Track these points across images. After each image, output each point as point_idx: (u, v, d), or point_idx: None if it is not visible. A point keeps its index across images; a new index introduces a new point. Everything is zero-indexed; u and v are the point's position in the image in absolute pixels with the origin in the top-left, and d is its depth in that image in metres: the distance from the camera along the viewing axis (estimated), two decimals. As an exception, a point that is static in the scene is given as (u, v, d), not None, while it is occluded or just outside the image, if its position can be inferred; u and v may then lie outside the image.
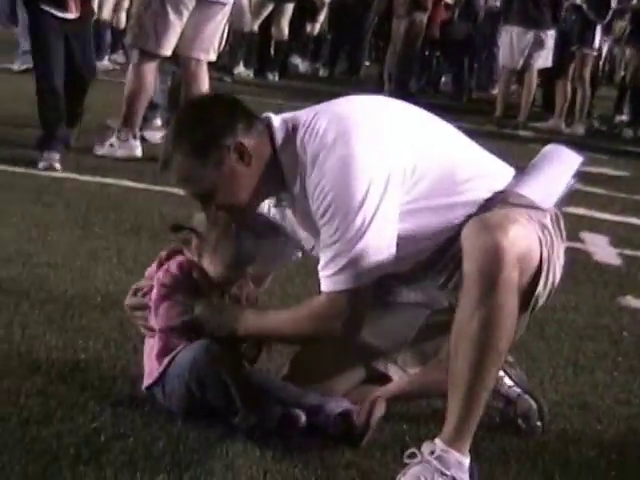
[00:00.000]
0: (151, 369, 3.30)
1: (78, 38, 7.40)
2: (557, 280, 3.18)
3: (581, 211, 7.57)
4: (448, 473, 2.91)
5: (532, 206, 3.13)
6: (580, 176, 9.20)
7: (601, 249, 6.55)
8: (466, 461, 2.96)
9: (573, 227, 7.01)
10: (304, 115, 3.22)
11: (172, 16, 7.61)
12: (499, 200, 3.15)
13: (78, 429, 3.10)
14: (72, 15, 7.32)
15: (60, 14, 7.30)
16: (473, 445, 3.01)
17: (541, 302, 3.15)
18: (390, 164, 3.06)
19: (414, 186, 3.10)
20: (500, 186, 3.21)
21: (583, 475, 3.22)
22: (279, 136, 3.20)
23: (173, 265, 3.34)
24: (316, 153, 3.08)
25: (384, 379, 3.44)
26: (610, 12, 13.05)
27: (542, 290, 3.09)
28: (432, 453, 2.92)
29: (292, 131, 3.19)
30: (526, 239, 2.98)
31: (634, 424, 3.69)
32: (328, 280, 3.10)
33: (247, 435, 3.12)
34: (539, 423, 3.46)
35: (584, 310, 5.05)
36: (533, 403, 3.46)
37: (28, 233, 5.30)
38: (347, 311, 3.10)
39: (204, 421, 3.20)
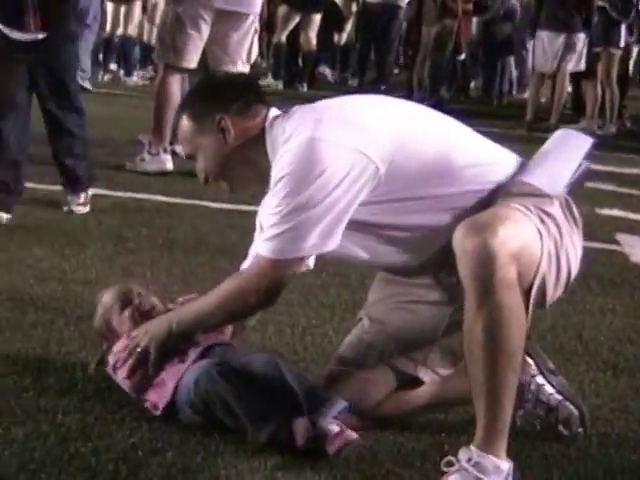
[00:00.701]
0: (157, 398, 3.35)
1: (45, 68, 5.76)
2: (573, 263, 3.16)
3: (616, 212, 7.55)
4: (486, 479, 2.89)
5: (536, 194, 3.11)
6: (614, 177, 9.25)
7: (638, 250, 6.51)
8: (504, 465, 2.93)
9: (609, 229, 7.05)
10: (297, 108, 3.37)
11: (189, 29, 7.63)
12: (502, 190, 3.15)
13: (116, 445, 3.11)
14: (32, 35, 5.64)
15: (14, 35, 5.67)
16: (514, 453, 2.99)
17: (560, 289, 3.15)
18: (357, 156, 3.08)
19: (393, 179, 3.12)
20: (503, 174, 3.21)
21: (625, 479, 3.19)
22: (270, 127, 3.32)
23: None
24: (287, 136, 3.18)
25: (416, 382, 3.42)
26: (634, 10, 13.01)
27: (551, 278, 3.07)
28: (469, 460, 2.91)
29: (281, 120, 3.31)
30: (519, 235, 2.95)
31: (676, 428, 3.66)
32: (263, 244, 3.20)
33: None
34: (581, 429, 3.43)
35: (622, 312, 5.02)
36: (574, 410, 3.43)
37: (62, 250, 5.32)
38: (268, 278, 3.18)
39: (242, 434, 3.19)
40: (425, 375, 3.42)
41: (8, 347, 3.87)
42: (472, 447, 2.93)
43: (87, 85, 13.29)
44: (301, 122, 3.21)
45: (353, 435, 3.10)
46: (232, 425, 3.18)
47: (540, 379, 3.45)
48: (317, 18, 15.26)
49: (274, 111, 3.38)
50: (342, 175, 3.06)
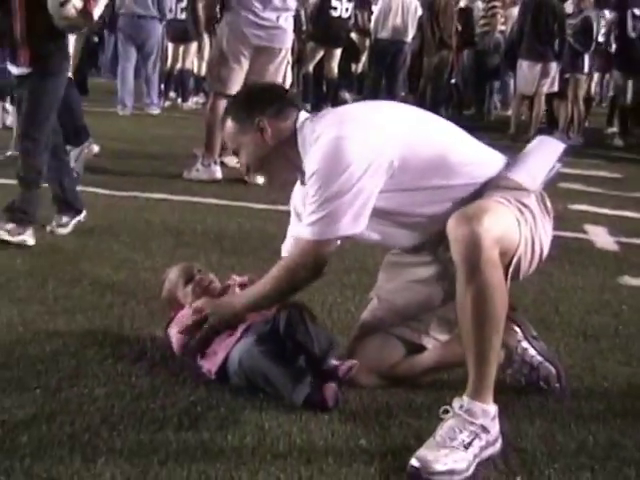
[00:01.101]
0: (211, 366, 3.35)
1: (24, 101, 5.09)
2: (545, 246, 3.17)
3: (584, 207, 7.51)
4: (477, 422, 2.89)
5: (517, 188, 3.12)
6: (583, 178, 9.18)
7: (601, 238, 6.48)
8: (491, 409, 2.93)
9: (579, 221, 7.03)
10: (325, 111, 3.39)
11: (232, 63, 7.65)
12: (491, 183, 3.15)
13: (179, 402, 3.12)
14: (21, 70, 5.10)
15: (11, 68, 5.18)
16: (502, 404, 2.98)
17: (534, 267, 3.16)
18: (376, 151, 3.07)
19: (403, 171, 3.10)
20: (493, 171, 3.21)
21: (594, 424, 3.18)
22: (301, 127, 3.30)
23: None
24: (318, 135, 3.16)
25: (421, 349, 3.43)
26: (594, 43, 12.95)
27: (526, 258, 3.07)
28: (461, 407, 2.91)
29: (310, 123, 3.29)
30: (501, 223, 2.94)
31: (634, 381, 3.65)
32: (303, 229, 3.18)
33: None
34: (557, 385, 3.44)
35: (589, 289, 5.01)
36: (552, 369, 3.43)
37: (133, 244, 5.33)
38: (312, 258, 3.18)
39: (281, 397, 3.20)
40: (428, 342, 3.41)
41: (90, 324, 3.89)
42: (464, 396, 2.92)
43: (153, 110, 13.36)
44: (328, 123, 3.19)
45: (352, 361, 3.20)
46: (272, 393, 3.18)
47: (525, 344, 3.44)
48: (338, 52, 15.21)
49: (304, 114, 3.35)
50: (364, 167, 3.05)
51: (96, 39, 19.86)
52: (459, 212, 2.95)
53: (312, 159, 3.14)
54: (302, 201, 3.38)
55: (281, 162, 3.35)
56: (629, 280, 5.29)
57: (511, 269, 3.00)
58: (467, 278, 2.89)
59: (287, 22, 7.78)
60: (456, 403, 2.93)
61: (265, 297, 3.31)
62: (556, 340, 4.01)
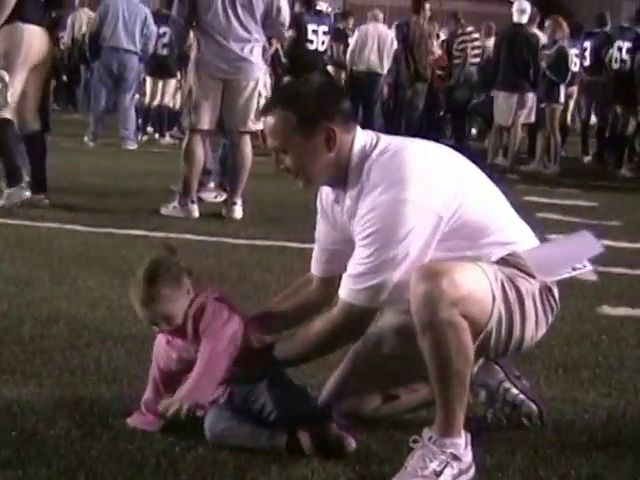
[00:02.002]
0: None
1: None
2: (529, 337, 3.12)
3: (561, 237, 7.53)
4: (447, 451, 2.89)
5: (522, 269, 3.06)
6: (559, 208, 9.21)
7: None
8: (460, 441, 2.92)
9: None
10: (385, 142, 3.13)
11: (199, 96, 7.61)
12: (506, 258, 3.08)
13: (157, 443, 3.09)
14: None
15: None
16: (484, 439, 2.97)
17: (505, 353, 3.15)
18: (436, 215, 2.98)
19: (451, 234, 3.02)
20: (520, 241, 3.14)
21: (575, 457, 3.16)
22: (358, 144, 3.11)
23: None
24: (377, 183, 3.00)
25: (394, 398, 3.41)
26: (569, 74, 13.07)
27: (499, 339, 3.03)
28: (430, 438, 2.91)
29: (370, 147, 3.11)
30: (467, 286, 2.89)
31: (614, 413, 3.63)
32: (352, 292, 3.04)
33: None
34: (539, 422, 3.41)
35: (569, 319, 4.99)
36: (534, 407, 3.40)
37: (110, 282, 5.29)
38: (357, 322, 3.09)
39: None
40: (404, 393, 3.40)
41: (67, 363, 3.85)
42: (433, 430, 2.92)
43: (130, 145, 13.37)
44: (388, 169, 3.01)
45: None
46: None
47: (507, 384, 3.41)
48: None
49: (361, 133, 3.15)
50: (423, 236, 2.96)
51: (65, 77, 19.87)
52: (424, 266, 2.92)
53: (369, 218, 2.99)
54: (327, 202, 3.30)
55: (330, 173, 3.14)
56: (608, 310, 5.29)
57: (477, 342, 2.96)
58: (420, 335, 2.90)
59: (253, 54, 7.72)
60: (425, 434, 2.93)
61: (301, 356, 3.24)
62: (536, 372, 3.99)
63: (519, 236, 3.17)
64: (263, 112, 3.16)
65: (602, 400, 3.77)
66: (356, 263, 3.04)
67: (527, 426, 3.38)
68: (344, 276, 3.10)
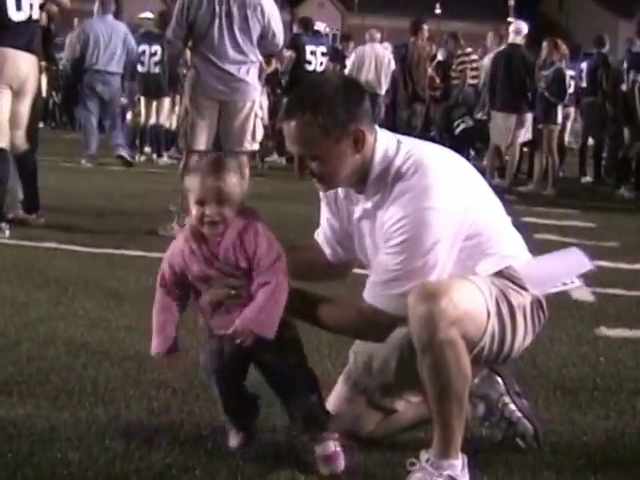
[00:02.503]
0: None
1: None
2: (517, 348, 3.14)
3: (559, 258, 7.53)
4: (444, 473, 2.90)
5: (515, 282, 3.09)
6: (557, 229, 9.19)
7: (577, 288, 6.47)
8: (458, 462, 2.94)
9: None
10: (406, 146, 3.09)
11: (195, 117, 7.60)
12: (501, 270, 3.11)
13: (154, 465, 3.08)
14: None
15: None
16: (481, 460, 2.97)
17: (500, 360, 3.16)
18: (457, 223, 2.99)
19: (466, 246, 3.04)
20: (517, 255, 3.16)
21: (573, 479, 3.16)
22: (380, 147, 3.07)
23: None
24: (403, 191, 2.98)
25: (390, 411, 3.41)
26: (567, 95, 13.09)
27: (491, 352, 3.06)
28: (427, 460, 2.92)
29: (392, 153, 3.07)
30: (464, 304, 2.91)
31: (612, 435, 3.63)
32: (382, 298, 3.01)
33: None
34: (534, 443, 3.40)
35: (566, 341, 5.00)
36: (530, 427, 3.40)
37: (107, 303, 5.29)
38: (383, 327, 3.04)
39: (260, 453, 3.16)
40: (400, 405, 3.39)
41: (64, 385, 3.84)
42: (430, 452, 2.93)
43: (123, 152, 13.48)
44: (414, 177, 2.99)
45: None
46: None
47: (506, 398, 3.42)
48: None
49: (382, 133, 3.11)
50: (449, 243, 2.97)
51: (60, 97, 19.92)
52: (422, 286, 2.92)
53: (398, 227, 2.97)
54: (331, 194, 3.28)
55: (353, 175, 3.09)
56: (606, 331, 5.29)
57: (470, 357, 2.98)
58: (420, 356, 2.91)
59: (248, 75, 7.71)
60: (423, 456, 2.95)
61: (315, 319, 3.16)
62: (534, 394, 3.98)
63: (516, 249, 3.20)
64: (286, 118, 3.03)
65: (600, 422, 3.76)
66: (384, 270, 3.01)
67: (524, 447, 3.38)
68: (370, 282, 3.07)
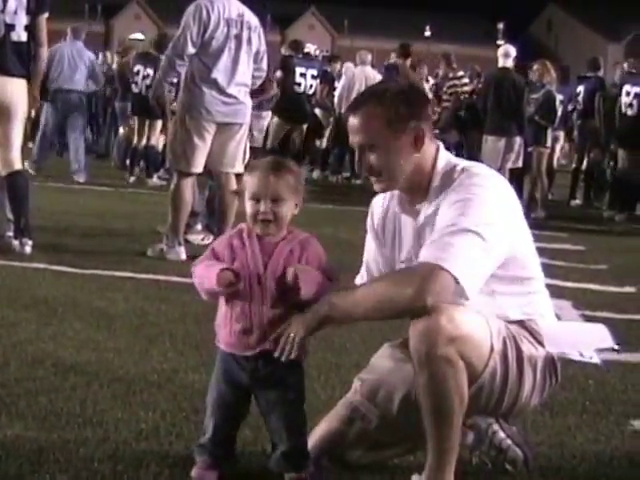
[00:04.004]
0: None
1: None
2: (521, 399, 3.15)
3: (547, 281, 7.50)
4: None
5: (534, 335, 3.11)
6: (546, 252, 9.22)
7: (566, 312, 6.50)
8: None
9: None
10: (464, 162, 3.14)
11: (196, 140, 7.58)
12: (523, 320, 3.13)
13: (143, 488, 3.07)
14: None
15: None
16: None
17: (502, 410, 3.17)
18: (506, 228, 3.01)
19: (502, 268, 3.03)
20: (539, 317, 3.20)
21: (563, 504, 3.17)
22: (443, 157, 3.13)
23: None
24: (459, 185, 3.02)
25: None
26: (557, 118, 13.13)
27: (492, 394, 3.07)
28: None
29: (454, 162, 3.12)
30: (467, 327, 2.90)
31: (602, 458, 3.64)
32: (424, 249, 2.93)
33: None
34: (524, 469, 3.38)
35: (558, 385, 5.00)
36: (520, 454, 3.38)
37: (96, 324, 5.28)
38: (439, 288, 2.85)
39: (249, 475, 3.15)
40: (393, 442, 3.37)
41: (52, 406, 3.83)
42: (423, 475, 2.94)
43: (80, 178, 13.81)
44: (472, 180, 3.02)
45: None
46: None
47: (495, 426, 3.40)
48: (303, 127, 15.35)
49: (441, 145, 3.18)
50: (501, 227, 2.98)
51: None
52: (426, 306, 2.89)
53: (454, 203, 2.97)
54: (381, 217, 3.29)
55: (412, 175, 3.10)
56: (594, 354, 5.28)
57: (470, 392, 2.97)
58: (418, 372, 2.91)
59: (246, 97, 7.79)
60: (415, 478, 2.93)
61: (363, 307, 2.97)
62: (523, 417, 3.98)
63: (546, 307, 3.26)
64: (352, 110, 3.12)
65: (589, 445, 3.77)
66: (443, 229, 2.93)
67: (514, 472, 3.37)
68: (425, 245, 2.96)
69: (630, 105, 13.03)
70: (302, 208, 3.09)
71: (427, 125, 3.13)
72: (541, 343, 3.12)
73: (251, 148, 14.36)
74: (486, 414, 3.24)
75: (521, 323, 3.12)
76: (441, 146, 3.17)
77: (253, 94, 8.08)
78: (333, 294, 2.99)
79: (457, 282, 2.86)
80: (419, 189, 3.12)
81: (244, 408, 3.14)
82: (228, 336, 3.06)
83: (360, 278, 3.42)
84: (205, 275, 3.03)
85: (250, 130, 11.89)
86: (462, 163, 3.13)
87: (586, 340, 3.29)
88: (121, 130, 16.29)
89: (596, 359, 3.28)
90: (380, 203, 3.34)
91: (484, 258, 2.92)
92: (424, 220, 3.12)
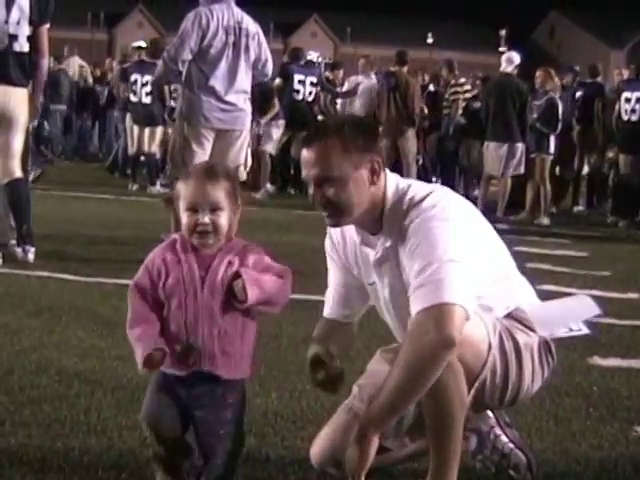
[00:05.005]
0: None
1: None
2: (522, 393, 3.15)
3: (551, 287, 7.51)
4: None
5: (524, 323, 3.12)
6: (549, 258, 9.17)
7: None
8: None
9: (545, 301, 7.02)
10: (415, 183, 3.12)
11: (195, 147, 7.57)
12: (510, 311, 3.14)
13: (147, 495, 3.08)
14: None
15: None
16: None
17: (505, 403, 3.15)
18: (474, 252, 2.96)
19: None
20: (523, 301, 3.20)
21: (568, 511, 3.17)
22: (391, 184, 3.09)
23: None
24: (417, 215, 2.97)
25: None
26: (559, 124, 13.12)
27: (494, 391, 3.06)
28: None
29: (403, 186, 3.08)
30: (465, 330, 2.85)
31: (606, 465, 3.64)
32: (416, 300, 2.86)
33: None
34: (528, 473, 3.40)
35: (559, 370, 4.94)
36: (523, 457, 3.40)
37: (100, 332, 5.29)
38: (457, 321, 2.80)
39: None
40: (394, 446, 3.37)
41: (56, 414, 3.84)
42: None
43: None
44: (427, 208, 2.98)
45: None
46: None
47: (497, 430, 3.42)
48: (304, 134, 15.28)
49: (389, 173, 3.12)
50: (468, 259, 2.93)
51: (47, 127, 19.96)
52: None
53: (413, 246, 2.93)
54: (341, 246, 3.27)
55: (367, 210, 3.06)
56: (599, 361, 5.29)
57: (472, 391, 2.98)
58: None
59: (246, 104, 7.78)
60: None
61: (402, 393, 2.85)
62: (527, 424, 3.99)
63: (525, 294, 3.24)
64: (307, 143, 3.06)
65: (594, 452, 3.77)
66: (413, 278, 2.89)
67: (517, 479, 3.37)
68: (414, 296, 2.89)
69: (633, 111, 13.02)
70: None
71: (381, 157, 3.08)
72: (532, 329, 3.13)
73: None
74: (491, 408, 3.24)
75: (509, 315, 3.12)
76: (388, 173, 3.11)
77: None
78: (365, 411, 2.95)
79: (462, 307, 2.84)
80: (372, 221, 3.10)
81: (184, 425, 2.97)
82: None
83: (328, 309, 3.44)
84: (134, 343, 3.00)
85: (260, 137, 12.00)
86: (410, 190, 3.07)
87: (573, 314, 3.29)
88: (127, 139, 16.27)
89: (585, 330, 3.29)
90: (338, 230, 3.28)
91: (469, 277, 2.90)
92: (382, 253, 3.10)
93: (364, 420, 2.88)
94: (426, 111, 15.35)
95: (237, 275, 2.85)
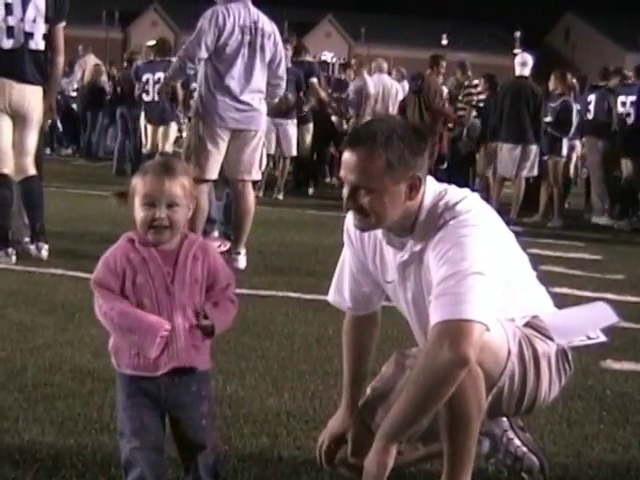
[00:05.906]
0: None
1: None
2: (540, 400, 3.15)
3: (564, 290, 7.50)
4: None
5: (542, 332, 3.11)
6: (562, 261, 9.14)
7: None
8: None
9: (559, 304, 6.99)
10: (450, 194, 3.06)
11: (209, 146, 7.58)
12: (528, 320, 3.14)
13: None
14: None
15: None
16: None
17: (523, 409, 3.15)
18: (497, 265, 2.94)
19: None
20: (540, 309, 3.20)
21: (580, 515, 3.17)
22: (429, 194, 3.03)
23: None
24: (446, 226, 2.95)
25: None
26: (572, 128, 13.11)
27: (511, 395, 3.06)
28: None
29: (438, 197, 3.03)
30: (484, 336, 2.84)
31: (619, 469, 3.63)
32: (435, 309, 2.85)
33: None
34: (541, 477, 3.39)
35: (573, 374, 4.98)
36: (536, 461, 3.39)
37: (113, 329, 5.29)
38: (474, 339, 2.79)
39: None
40: (405, 448, 3.34)
41: (70, 412, 3.85)
42: None
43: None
44: (458, 226, 2.94)
45: None
46: None
47: (511, 433, 3.41)
48: (310, 127, 15.06)
49: (430, 184, 3.06)
50: (493, 275, 2.91)
51: (60, 125, 19.99)
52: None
53: (442, 247, 2.91)
54: (359, 237, 3.24)
55: (399, 220, 3.02)
56: (612, 364, 5.28)
57: (490, 397, 2.98)
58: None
59: (262, 104, 7.79)
60: None
61: (417, 408, 2.87)
62: (540, 427, 3.99)
63: (542, 303, 3.24)
64: (353, 145, 2.96)
65: (606, 455, 3.76)
66: (443, 289, 2.86)
67: (529, 481, 3.38)
68: (435, 304, 2.87)
69: (628, 115, 13.05)
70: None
71: (424, 172, 3.01)
72: (550, 338, 3.12)
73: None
74: (507, 415, 3.24)
75: (527, 323, 3.12)
76: (428, 182, 3.05)
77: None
78: (380, 428, 2.94)
79: (482, 323, 2.83)
80: (404, 228, 3.07)
81: (162, 427, 2.99)
82: (134, 358, 2.96)
83: (348, 309, 3.43)
84: (135, 328, 2.99)
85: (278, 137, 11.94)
86: (446, 196, 3.04)
87: (592, 322, 3.28)
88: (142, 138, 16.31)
89: (602, 337, 3.28)
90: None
91: (491, 291, 2.89)
92: (409, 256, 3.07)
93: (381, 433, 2.90)
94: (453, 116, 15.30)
95: (205, 316, 2.94)
